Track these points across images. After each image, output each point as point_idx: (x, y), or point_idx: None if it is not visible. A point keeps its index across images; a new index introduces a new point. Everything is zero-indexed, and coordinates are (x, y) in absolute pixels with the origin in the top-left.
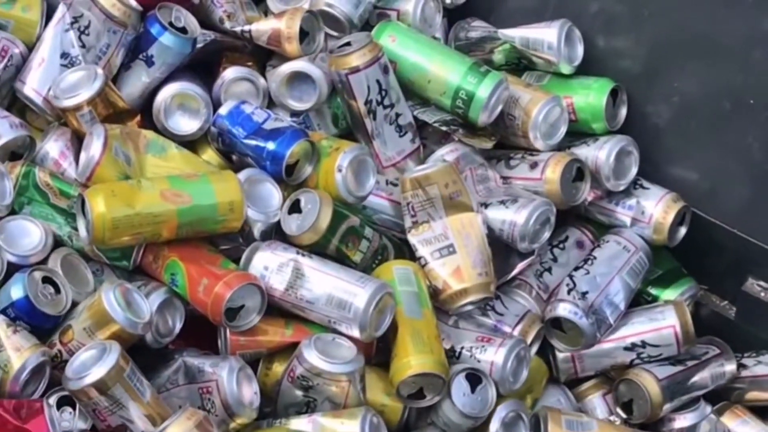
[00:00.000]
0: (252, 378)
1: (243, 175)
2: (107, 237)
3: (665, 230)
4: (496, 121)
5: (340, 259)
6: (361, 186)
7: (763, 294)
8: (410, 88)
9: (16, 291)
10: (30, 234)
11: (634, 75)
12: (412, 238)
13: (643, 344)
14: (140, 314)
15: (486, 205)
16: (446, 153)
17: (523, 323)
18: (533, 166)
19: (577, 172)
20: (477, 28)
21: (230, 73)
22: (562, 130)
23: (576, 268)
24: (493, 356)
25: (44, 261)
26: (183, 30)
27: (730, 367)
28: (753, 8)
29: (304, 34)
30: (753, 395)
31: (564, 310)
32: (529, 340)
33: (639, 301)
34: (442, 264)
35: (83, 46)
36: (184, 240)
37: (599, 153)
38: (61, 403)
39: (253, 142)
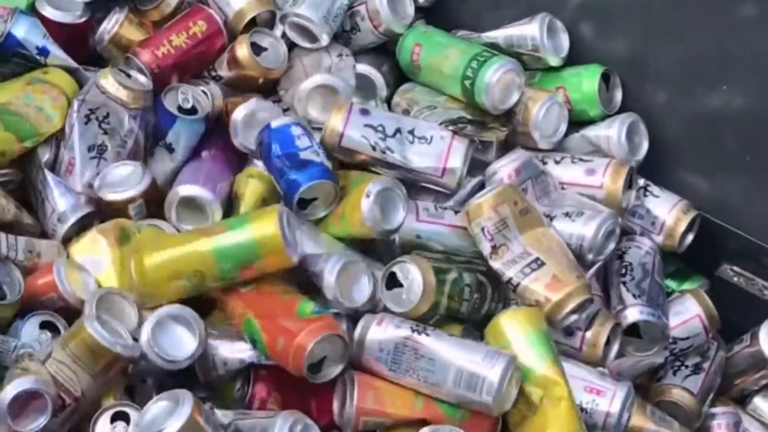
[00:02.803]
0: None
1: (342, 259)
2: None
3: (676, 239)
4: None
5: (451, 316)
6: (388, 219)
7: (736, 279)
8: (429, 72)
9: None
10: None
11: (621, 62)
12: (495, 263)
13: (674, 340)
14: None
15: (551, 218)
16: (506, 163)
17: (596, 324)
18: (590, 172)
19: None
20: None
21: (239, 112)
22: (563, 127)
23: (621, 275)
24: (607, 407)
25: None
26: (193, 110)
27: (724, 357)
28: None
29: (260, 49)
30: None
31: (642, 313)
32: (602, 341)
33: None
34: (536, 278)
35: (105, 132)
36: (258, 290)
37: (609, 132)
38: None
39: (280, 163)
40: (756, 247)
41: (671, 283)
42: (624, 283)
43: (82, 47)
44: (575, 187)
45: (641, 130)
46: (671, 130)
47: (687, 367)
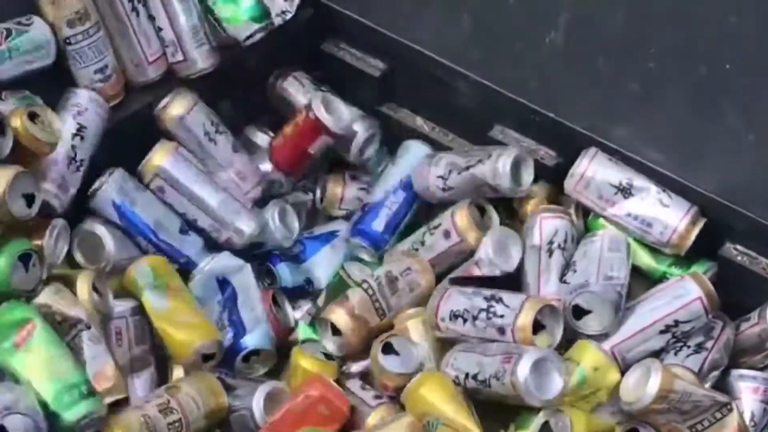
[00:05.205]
0: None
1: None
2: None
3: (683, 247)
4: None
5: None
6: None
7: (740, 258)
8: None
9: None
10: None
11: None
12: None
13: (676, 323)
14: None
15: None
16: None
17: (523, 313)
18: (446, 234)
19: (480, 210)
20: None
21: None
22: None
23: (562, 275)
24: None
25: None
26: None
27: (732, 336)
28: None
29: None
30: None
31: (574, 292)
32: (530, 320)
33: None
34: None
35: None
36: None
37: (497, 165)
38: None
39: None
40: (760, 226)
41: (676, 271)
42: (564, 278)
43: None
44: (443, 256)
45: (526, 160)
46: (674, 110)
47: (689, 347)
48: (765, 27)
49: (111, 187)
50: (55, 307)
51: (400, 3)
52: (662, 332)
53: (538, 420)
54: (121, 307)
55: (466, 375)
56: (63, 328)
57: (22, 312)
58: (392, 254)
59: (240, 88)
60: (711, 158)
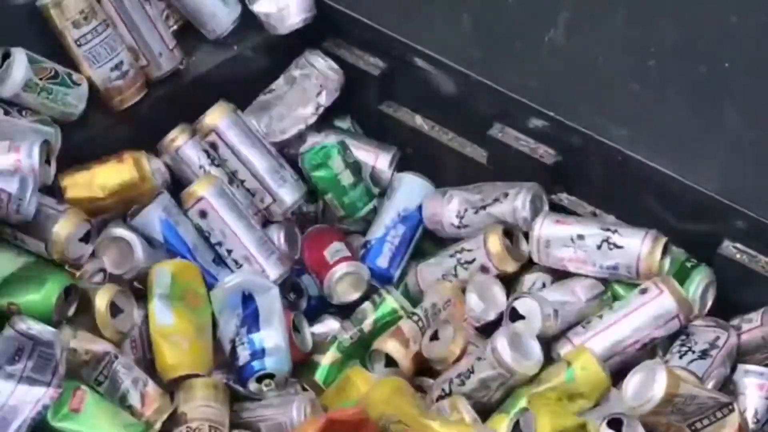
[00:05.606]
0: None
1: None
2: None
3: (655, 269)
4: None
5: None
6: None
7: (739, 256)
8: None
9: None
10: None
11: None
12: None
13: (653, 340)
14: None
15: None
16: None
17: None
18: (484, 269)
19: (507, 234)
20: None
21: None
22: None
23: None
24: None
25: None
26: None
27: (735, 347)
28: None
29: None
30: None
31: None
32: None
33: None
34: None
35: None
36: None
37: (516, 204)
38: None
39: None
40: (760, 225)
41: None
42: None
43: None
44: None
45: (543, 199)
46: (674, 110)
47: (694, 352)
48: (765, 27)
49: (158, 206)
50: (80, 350)
51: (400, 2)
52: (639, 349)
53: (511, 418)
54: None
55: (450, 381)
56: (91, 364)
57: (67, 383)
58: (423, 279)
59: (240, 87)
60: (711, 158)
